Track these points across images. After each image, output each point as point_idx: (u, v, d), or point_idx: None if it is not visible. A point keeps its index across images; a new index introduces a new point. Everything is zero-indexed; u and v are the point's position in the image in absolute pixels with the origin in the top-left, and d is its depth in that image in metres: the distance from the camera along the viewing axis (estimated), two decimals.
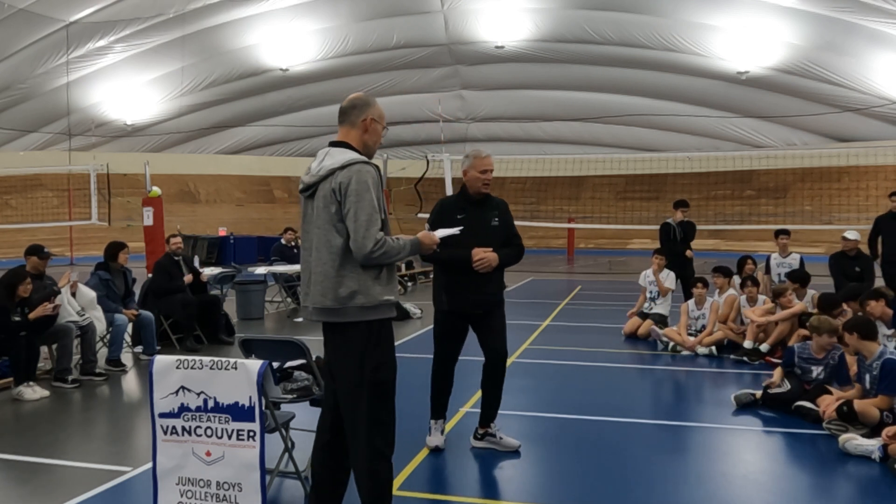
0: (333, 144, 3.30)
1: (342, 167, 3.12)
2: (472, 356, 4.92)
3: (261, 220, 30.27)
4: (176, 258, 8.90)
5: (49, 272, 7.16)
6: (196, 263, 9.55)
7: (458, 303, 4.58)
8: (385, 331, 3.21)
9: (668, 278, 9.59)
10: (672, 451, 4.83)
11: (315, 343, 4.54)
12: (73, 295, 7.11)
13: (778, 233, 10.31)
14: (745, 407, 5.80)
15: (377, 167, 3.21)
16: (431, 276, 20.44)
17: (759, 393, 5.93)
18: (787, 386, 5.85)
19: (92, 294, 7.31)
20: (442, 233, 3.59)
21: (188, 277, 8.83)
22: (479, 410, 4.78)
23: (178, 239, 9.19)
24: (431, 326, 4.76)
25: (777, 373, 6.07)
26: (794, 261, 9.85)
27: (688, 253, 10.24)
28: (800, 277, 8.56)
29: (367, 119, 3.27)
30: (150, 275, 9.78)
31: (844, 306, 7.39)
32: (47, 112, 26.40)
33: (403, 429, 4.87)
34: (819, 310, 7.14)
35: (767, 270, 10.18)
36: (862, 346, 5.21)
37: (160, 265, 8.84)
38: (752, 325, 7.77)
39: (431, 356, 4.69)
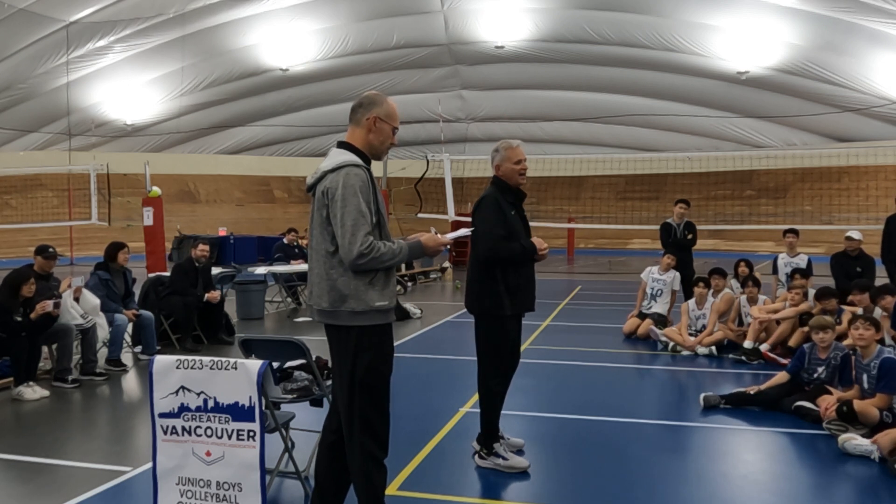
0: (339, 144, 3.26)
1: (332, 170, 3.10)
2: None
3: (261, 220, 30.29)
4: (197, 264, 8.77)
5: (54, 272, 7.17)
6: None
7: (523, 304, 4.30)
8: (377, 336, 3.13)
9: (675, 280, 9.53)
10: (672, 451, 4.83)
11: (315, 343, 4.55)
12: (77, 300, 7.08)
13: (786, 231, 10.23)
14: (713, 408, 5.76)
15: (368, 169, 3.14)
16: (432, 276, 20.08)
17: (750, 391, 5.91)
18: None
19: (96, 301, 7.27)
20: (457, 234, 3.48)
21: (211, 295, 8.56)
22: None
23: (206, 247, 9.00)
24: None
25: (777, 378, 6.00)
26: (801, 260, 9.72)
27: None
28: (802, 273, 8.60)
29: (371, 118, 3.20)
30: (150, 275, 9.77)
31: (849, 299, 7.44)
32: (47, 112, 26.41)
33: (404, 429, 4.89)
34: (816, 300, 7.26)
35: (774, 270, 10.10)
36: (871, 340, 5.19)
37: (180, 267, 8.79)
38: (754, 324, 7.76)
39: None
